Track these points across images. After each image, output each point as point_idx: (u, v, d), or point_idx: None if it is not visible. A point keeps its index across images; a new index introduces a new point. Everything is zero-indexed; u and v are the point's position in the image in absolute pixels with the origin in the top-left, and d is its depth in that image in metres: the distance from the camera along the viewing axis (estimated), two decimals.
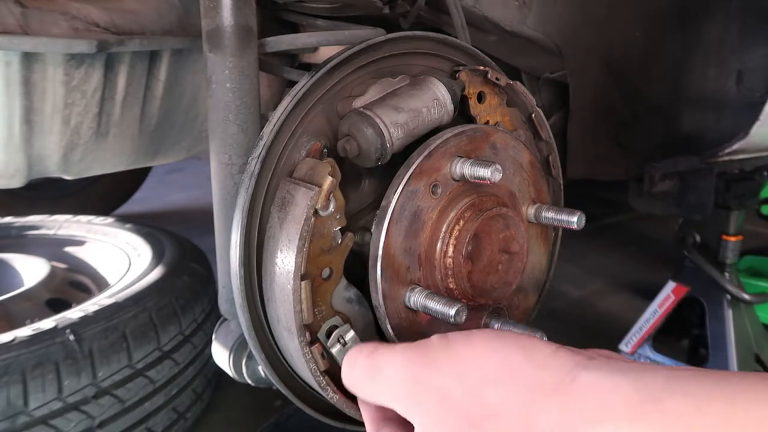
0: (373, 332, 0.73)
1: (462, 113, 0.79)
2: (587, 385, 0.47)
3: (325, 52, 1.30)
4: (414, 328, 0.71)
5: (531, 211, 0.81)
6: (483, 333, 0.54)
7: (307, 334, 0.65)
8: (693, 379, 0.45)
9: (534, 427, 0.48)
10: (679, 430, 0.43)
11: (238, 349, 0.80)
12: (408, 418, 0.54)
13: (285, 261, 0.64)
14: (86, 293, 1.95)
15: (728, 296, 1.86)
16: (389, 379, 0.55)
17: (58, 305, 1.77)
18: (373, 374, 0.57)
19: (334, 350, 0.68)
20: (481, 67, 0.79)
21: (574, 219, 0.76)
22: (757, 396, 0.42)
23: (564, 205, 0.91)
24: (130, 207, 3.82)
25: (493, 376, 0.50)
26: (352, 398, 0.68)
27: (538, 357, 0.51)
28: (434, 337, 0.56)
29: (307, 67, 0.93)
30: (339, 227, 0.67)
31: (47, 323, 1.39)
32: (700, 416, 0.42)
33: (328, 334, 0.68)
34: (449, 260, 0.70)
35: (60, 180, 1.30)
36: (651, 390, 0.45)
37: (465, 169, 0.69)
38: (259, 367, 0.78)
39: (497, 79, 0.79)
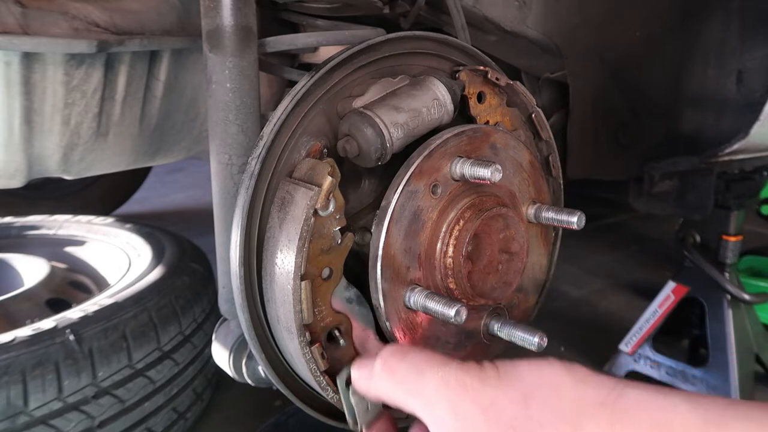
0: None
1: (462, 113, 0.79)
2: (637, 402, 0.47)
3: (325, 52, 1.29)
4: (414, 329, 0.71)
5: (531, 211, 0.81)
6: (527, 359, 0.55)
7: (307, 334, 0.65)
8: (753, 407, 0.44)
9: None
10: None
11: (238, 349, 0.80)
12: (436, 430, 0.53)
13: (285, 261, 0.64)
14: (86, 293, 1.94)
15: (728, 296, 1.86)
16: (433, 383, 0.54)
17: (58, 305, 1.77)
18: (417, 374, 0.55)
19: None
20: (481, 67, 0.79)
21: (574, 219, 0.76)
22: None
23: (564, 205, 0.91)
24: (130, 207, 3.82)
25: (537, 389, 0.51)
26: None
27: (578, 373, 0.51)
28: (484, 362, 0.56)
29: (307, 67, 0.93)
30: (339, 227, 0.67)
31: (47, 323, 1.39)
32: None
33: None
34: (449, 260, 0.70)
35: (60, 180, 1.30)
36: (710, 413, 0.44)
37: (465, 169, 0.69)
38: (259, 367, 0.78)
39: (497, 79, 0.79)
